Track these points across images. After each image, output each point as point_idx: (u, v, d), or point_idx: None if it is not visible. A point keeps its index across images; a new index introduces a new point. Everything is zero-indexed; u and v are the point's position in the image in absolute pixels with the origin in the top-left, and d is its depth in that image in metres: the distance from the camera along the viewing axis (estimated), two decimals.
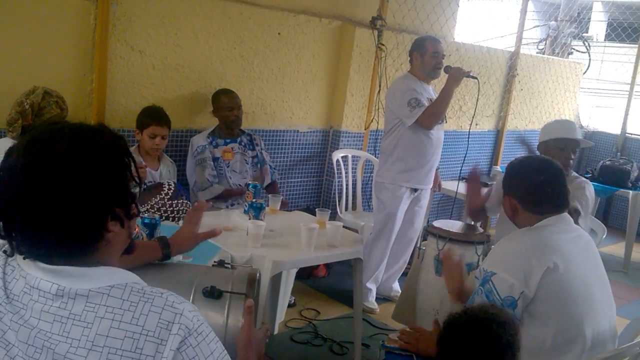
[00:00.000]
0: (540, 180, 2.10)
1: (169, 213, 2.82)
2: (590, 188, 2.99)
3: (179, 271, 1.68)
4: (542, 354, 1.92)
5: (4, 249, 1.10)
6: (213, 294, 1.60)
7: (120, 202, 1.06)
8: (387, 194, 3.84)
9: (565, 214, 2.12)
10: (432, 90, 3.88)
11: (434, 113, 3.65)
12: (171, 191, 2.95)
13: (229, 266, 1.78)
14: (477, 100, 3.97)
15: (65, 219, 1.00)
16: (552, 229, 2.05)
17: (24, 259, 1.04)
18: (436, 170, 4.14)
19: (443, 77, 3.80)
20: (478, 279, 2.03)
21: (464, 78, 3.69)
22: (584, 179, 3.06)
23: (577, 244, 2.08)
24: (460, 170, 4.02)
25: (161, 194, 2.87)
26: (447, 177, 5.41)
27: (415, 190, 3.89)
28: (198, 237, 1.71)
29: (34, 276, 1.02)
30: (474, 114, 4.20)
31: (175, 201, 2.93)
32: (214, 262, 1.75)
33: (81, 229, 1.01)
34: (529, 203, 2.10)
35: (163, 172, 3.40)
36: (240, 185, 3.65)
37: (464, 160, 4.07)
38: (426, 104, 3.68)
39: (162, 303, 1.02)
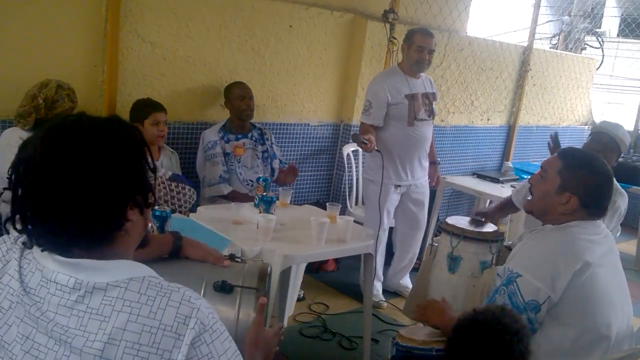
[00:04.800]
0: (603, 184, 2.02)
1: (174, 194, 2.82)
2: (624, 201, 2.90)
3: (190, 265, 1.66)
4: (560, 355, 1.89)
5: (21, 240, 1.09)
6: (224, 288, 1.58)
7: (140, 190, 1.07)
8: (374, 189, 3.80)
9: None
10: (421, 84, 3.79)
11: None
12: (168, 174, 2.97)
13: (240, 260, 1.76)
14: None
15: (87, 207, 0.99)
16: (579, 230, 1.99)
17: (43, 251, 1.04)
18: (434, 165, 4.11)
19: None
20: (501, 277, 1.99)
21: None
22: (620, 188, 2.90)
23: (603, 245, 2.02)
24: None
25: (159, 172, 2.91)
26: (457, 172, 5.38)
27: (399, 186, 3.85)
28: (209, 257, 1.69)
29: (50, 269, 1.01)
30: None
31: (175, 182, 2.92)
32: (225, 255, 1.73)
33: (104, 216, 1.01)
34: (587, 204, 1.99)
35: (164, 162, 3.38)
36: (251, 180, 3.62)
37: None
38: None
39: (179, 297, 1.01)
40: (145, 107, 3.27)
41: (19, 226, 1.03)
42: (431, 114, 3.82)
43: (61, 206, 0.98)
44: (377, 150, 3.55)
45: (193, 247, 1.69)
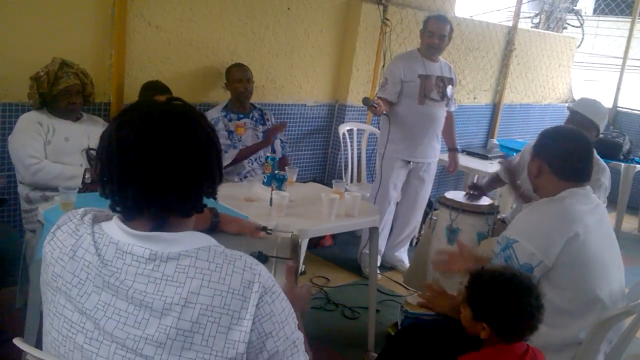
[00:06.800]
0: (571, 149, 2.22)
1: None
2: (606, 176, 3.01)
3: (227, 238, 1.81)
4: (558, 315, 2.09)
5: (88, 217, 1.21)
6: (260, 258, 1.74)
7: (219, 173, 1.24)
8: (382, 162, 3.99)
9: (587, 187, 2.26)
10: (438, 68, 3.97)
11: None
12: None
13: (270, 232, 1.92)
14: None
15: (183, 188, 1.15)
16: (572, 200, 2.18)
17: (128, 219, 1.17)
18: (454, 151, 4.33)
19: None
20: (500, 244, 2.18)
21: None
22: (602, 164, 3.04)
23: (595, 214, 2.22)
24: None
25: None
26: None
27: (409, 162, 4.03)
28: (245, 229, 1.83)
29: (125, 242, 1.14)
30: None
31: None
32: (257, 227, 1.88)
33: (201, 196, 1.18)
34: (555, 167, 2.22)
35: None
36: (250, 159, 3.75)
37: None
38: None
39: (242, 265, 1.15)
40: (149, 90, 3.33)
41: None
42: (444, 96, 3.99)
43: (174, 190, 1.14)
44: (384, 114, 3.78)
45: (230, 222, 1.83)
